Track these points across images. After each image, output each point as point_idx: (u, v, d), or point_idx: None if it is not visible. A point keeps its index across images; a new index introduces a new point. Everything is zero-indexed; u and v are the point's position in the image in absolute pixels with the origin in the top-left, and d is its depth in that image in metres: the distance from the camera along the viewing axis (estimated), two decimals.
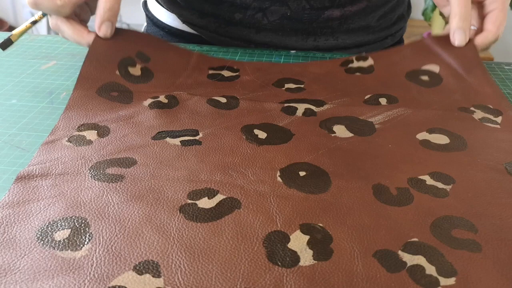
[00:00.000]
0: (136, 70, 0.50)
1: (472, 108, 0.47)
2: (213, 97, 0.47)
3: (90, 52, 0.50)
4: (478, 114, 0.46)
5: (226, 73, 0.53)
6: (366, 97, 0.49)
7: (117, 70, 0.49)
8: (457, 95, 0.49)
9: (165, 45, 0.55)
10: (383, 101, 0.48)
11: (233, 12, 0.60)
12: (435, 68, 0.52)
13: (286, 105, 0.46)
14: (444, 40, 0.53)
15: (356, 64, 0.54)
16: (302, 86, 0.51)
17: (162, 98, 0.46)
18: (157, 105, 0.45)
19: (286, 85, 0.51)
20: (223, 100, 0.47)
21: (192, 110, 0.45)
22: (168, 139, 0.40)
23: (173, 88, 0.49)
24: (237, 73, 0.53)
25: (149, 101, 0.46)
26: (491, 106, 0.47)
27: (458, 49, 0.52)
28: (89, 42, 0.50)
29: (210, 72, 0.53)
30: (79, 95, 0.46)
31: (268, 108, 0.46)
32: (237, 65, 0.55)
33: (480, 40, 0.52)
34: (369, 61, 0.54)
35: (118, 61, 0.50)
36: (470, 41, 0.52)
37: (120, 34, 0.51)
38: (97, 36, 0.50)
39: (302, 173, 0.36)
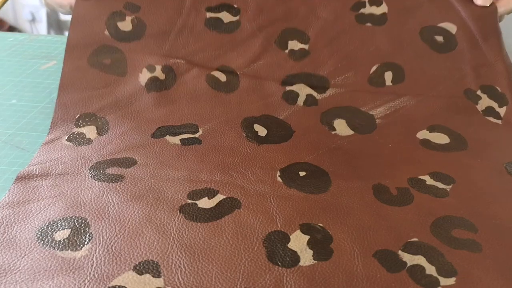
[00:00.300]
0: (126, 25, 0.46)
1: (478, 92, 0.45)
2: (212, 73, 0.45)
3: (74, 16, 0.46)
4: (483, 103, 0.44)
5: (226, 17, 0.47)
6: (372, 70, 0.46)
7: (106, 30, 0.46)
8: (468, 67, 0.46)
9: None
10: (388, 77, 0.46)
11: None
12: (451, 27, 0.48)
13: (287, 88, 0.45)
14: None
15: (368, 9, 0.48)
16: (306, 47, 0.47)
17: (158, 73, 0.44)
18: (154, 84, 0.44)
19: (290, 44, 0.47)
20: (223, 78, 0.45)
21: (191, 93, 0.44)
22: (168, 137, 0.40)
23: (168, 46, 0.46)
24: (237, 18, 0.48)
25: (146, 75, 0.44)
26: (499, 89, 0.45)
27: (479, 10, 0.47)
28: (72, 4, 0.46)
29: (208, 15, 0.47)
30: (70, 69, 0.44)
31: (269, 92, 0.44)
32: (238, 2, 0.48)
33: (503, 3, 0.48)
34: (383, 7, 0.48)
35: (105, 18, 0.46)
36: (493, 4, 0.48)
37: None
38: None
39: (302, 173, 0.36)
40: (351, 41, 0.47)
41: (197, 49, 0.46)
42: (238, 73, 0.45)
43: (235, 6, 0.48)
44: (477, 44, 0.47)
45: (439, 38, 0.47)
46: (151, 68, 0.45)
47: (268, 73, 0.45)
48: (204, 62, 0.45)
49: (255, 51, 0.46)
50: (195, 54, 0.46)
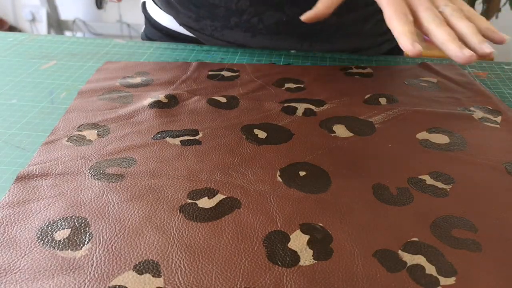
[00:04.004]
0: (135, 80, 0.52)
1: (472, 108, 0.47)
2: (213, 97, 0.48)
3: (95, 73, 0.53)
4: (478, 114, 0.46)
5: (226, 73, 0.54)
6: (366, 96, 0.49)
7: (117, 82, 0.51)
8: (457, 94, 0.50)
9: (163, 63, 0.56)
10: (383, 100, 0.48)
11: (228, 16, 0.60)
12: (433, 80, 0.54)
13: (286, 104, 0.47)
14: (440, 66, 0.57)
15: (355, 70, 0.56)
16: (302, 86, 0.51)
17: (162, 98, 0.47)
18: (157, 104, 0.46)
19: (286, 85, 0.51)
20: (223, 100, 0.47)
21: (192, 110, 0.45)
22: (168, 139, 0.40)
23: (173, 88, 0.50)
24: (237, 73, 0.54)
25: (149, 100, 0.46)
26: (490, 107, 0.47)
27: (454, 72, 0.55)
28: None
29: (210, 73, 0.54)
30: (79, 102, 0.47)
31: (268, 108, 0.46)
32: (237, 66, 0.56)
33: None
34: (368, 70, 0.56)
35: (118, 79, 0.52)
36: (465, 74, 0.55)
37: (122, 63, 0.56)
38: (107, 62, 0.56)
39: (302, 173, 0.36)
40: (343, 83, 0.52)
41: (199, 88, 0.50)
42: (238, 97, 0.48)
43: (235, 68, 0.55)
44: (460, 89, 0.52)
45: (423, 83, 0.53)
46: (155, 96, 0.47)
47: (266, 98, 0.48)
48: (206, 94, 0.49)
49: (254, 88, 0.51)
50: (197, 90, 0.50)
